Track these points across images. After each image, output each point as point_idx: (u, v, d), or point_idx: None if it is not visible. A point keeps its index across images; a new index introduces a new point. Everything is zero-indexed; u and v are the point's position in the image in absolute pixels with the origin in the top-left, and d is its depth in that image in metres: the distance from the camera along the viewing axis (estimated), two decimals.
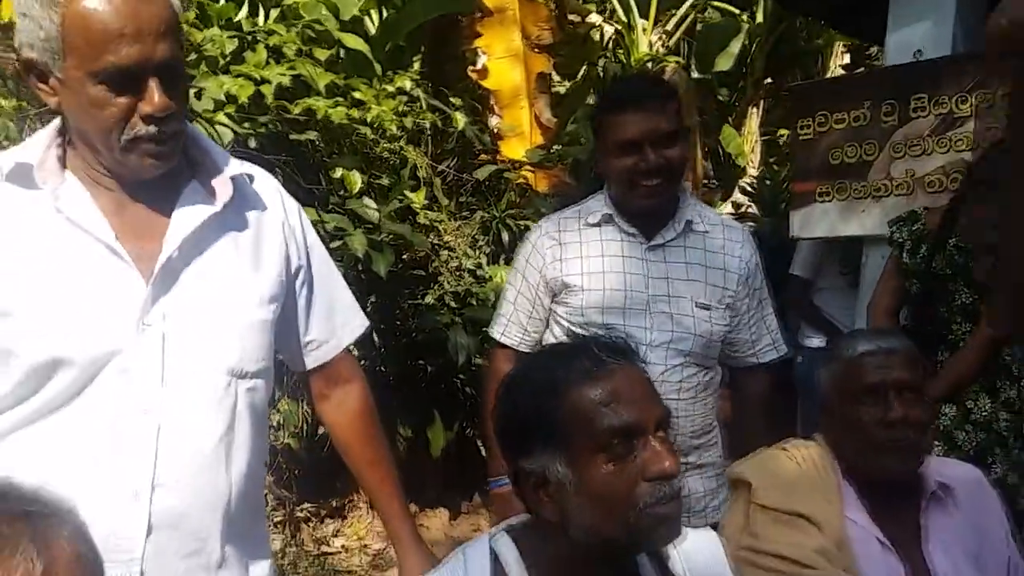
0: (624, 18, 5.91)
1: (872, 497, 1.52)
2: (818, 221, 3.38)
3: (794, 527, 1.45)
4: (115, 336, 1.13)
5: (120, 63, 1.07)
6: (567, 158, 4.07)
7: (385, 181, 3.34)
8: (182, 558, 1.16)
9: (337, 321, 1.40)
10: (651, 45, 5.65)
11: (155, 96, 1.09)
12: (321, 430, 3.36)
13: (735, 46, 6.64)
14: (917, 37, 3.12)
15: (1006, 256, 1.01)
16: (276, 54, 2.95)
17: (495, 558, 1.03)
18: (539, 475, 0.97)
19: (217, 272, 1.21)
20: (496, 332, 1.97)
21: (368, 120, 3.01)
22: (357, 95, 3.03)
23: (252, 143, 2.73)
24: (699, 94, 6.82)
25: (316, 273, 1.37)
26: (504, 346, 1.95)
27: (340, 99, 2.96)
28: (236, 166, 1.26)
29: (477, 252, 3.52)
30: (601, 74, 5.43)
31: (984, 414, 2.21)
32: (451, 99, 3.88)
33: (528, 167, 3.97)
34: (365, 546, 3.62)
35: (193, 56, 2.73)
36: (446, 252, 3.44)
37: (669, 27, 5.74)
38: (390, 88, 3.54)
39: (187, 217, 1.18)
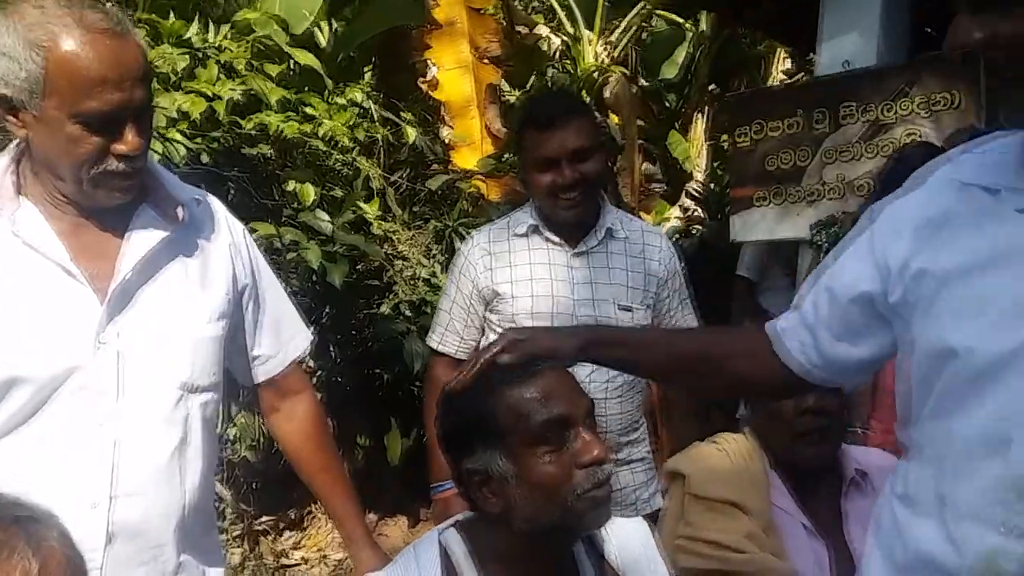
0: (571, 29, 6.04)
1: (797, 485, 1.64)
2: (756, 224, 3.54)
3: (725, 515, 1.56)
4: (72, 354, 1.19)
5: (103, 108, 1.13)
6: (517, 167, 4.16)
7: (338, 193, 3.39)
8: (140, 566, 1.22)
9: (284, 336, 1.48)
10: (597, 56, 5.79)
11: (130, 137, 1.16)
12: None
13: (680, 54, 6.84)
14: (845, 49, 3.29)
15: None
16: (228, 70, 2.99)
17: (445, 553, 1.11)
18: (482, 473, 1.05)
19: (169, 292, 1.28)
20: (434, 342, 2.06)
21: (320, 134, 3.06)
22: (309, 110, 3.08)
23: (205, 158, 2.77)
24: (646, 101, 7.00)
25: (262, 291, 1.45)
26: (442, 354, 2.03)
27: (292, 114, 3.01)
28: (186, 191, 1.34)
29: (431, 261, 3.58)
30: (550, 84, 5.56)
31: None
32: (402, 111, 3.95)
33: (480, 176, 4.06)
34: (325, 557, 3.64)
35: None
36: (400, 261, 3.50)
37: (614, 38, 5.89)
38: (341, 100, 3.60)
39: (140, 240, 1.25)
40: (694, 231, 6.13)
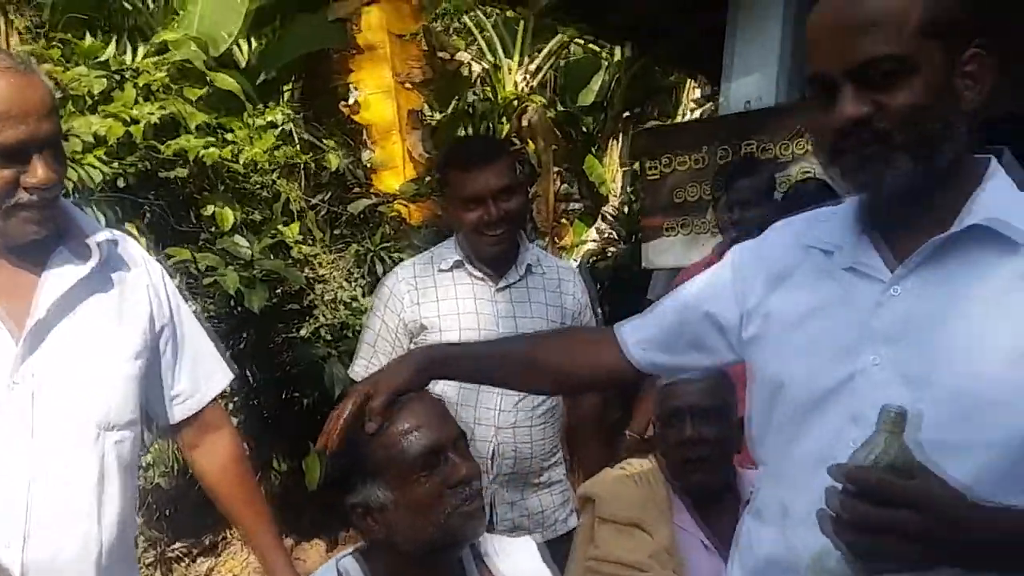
0: (491, 58, 6.18)
1: (699, 506, 1.77)
2: (666, 252, 3.71)
3: (631, 536, 1.67)
4: None
5: (7, 142, 1.15)
6: (438, 191, 4.24)
7: (258, 216, 3.39)
8: None
9: (202, 374, 1.50)
10: (516, 84, 5.95)
11: (39, 170, 1.18)
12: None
13: (596, 81, 7.07)
14: (748, 89, 3.50)
15: None
16: (146, 92, 2.96)
17: None
18: (364, 505, 1.14)
19: (84, 331, 1.29)
20: (357, 374, 2.07)
21: (241, 161, 3.06)
22: (230, 137, 3.08)
23: (122, 183, 2.74)
24: (564, 126, 7.20)
25: (181, 330, 1.47)
26: None
27: (212, 139, 3.00)
28: (102, 232, 1.36)
29: (353, 284, 3.61)
30: (470, 110, 5.66)
31: None
32: (324, 135, 3.98)
33: (402, 200, 4.11)
34: None
35: (59, 95, 2.71)
36: (321, 285, 3.51)
37: (533, 67, 6.06)
38: (261, 121, 3.59)
39: (56, 280, 1.27)
40: (610, 253, 6.34)
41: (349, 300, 3.58)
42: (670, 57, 5.36)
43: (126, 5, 3.73)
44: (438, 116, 5.50)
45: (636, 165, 6.18)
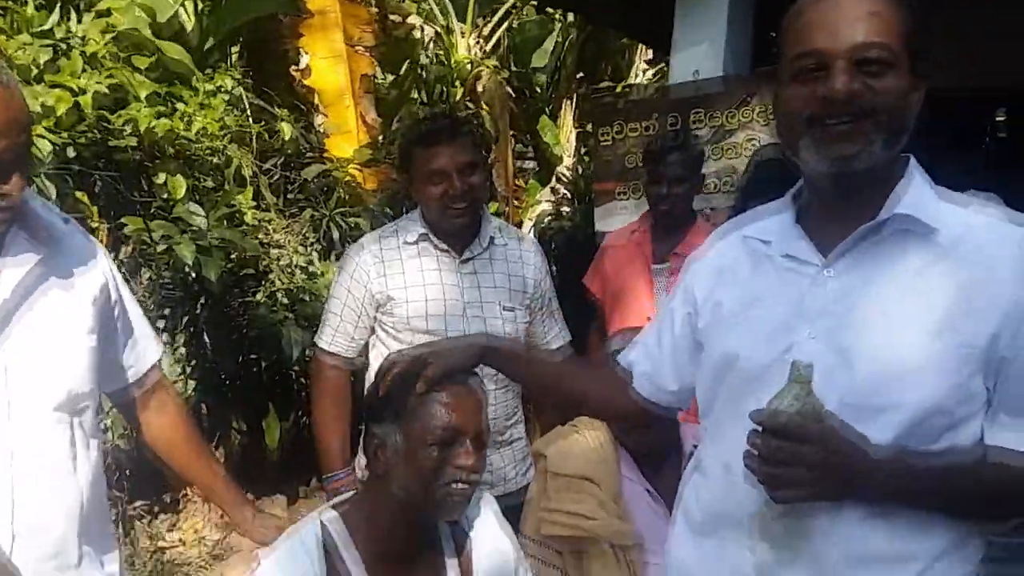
0: (443, 21, 6.13)
1: (643, 459, 1.91)
2: (618, 216, 3.81)
3: (580, 488, 1.79)
4: None
5: None
6: (392, 156, 4.26)
7: (209, 183, 3.38)
8: (48, 560, 1.32)
9: (141, 345, 1.59)
10: (469, 48, 5.92)
11: (14, 182, 1.23)
12: None
13: (549, 43, 7.07)
14: (695, 59, 3.59)
15: None
16: (92, 61, 2.92)
17: (325, 530, 1.28)
18: (380, 439, 1.27)
19: (46, 311, 1.36)
20: (324, 342, 2.14)
21: (193, 132, 3.05)
22: (180, 106, 3.05)
23: (71, 153, 2.72)
24: (518, 88, 7.21)
25: (123, 305, 1.55)
26: (332, 354, 2.14)
27: (162, 108, 2.98)
28: (52, 214, 1.43)
29: (308, 249, 3.64)
30: (423, 74, 5.63)
31: None
32: (276, 100, 3.95)
33: (355, 166, 4.13)
34: (202, 538, 3.67)
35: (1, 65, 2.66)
36: (276, 251, 3.54)
37: (486, 32, 6.03)
38: (210, 87, 3.56)
39: (16, 263, 1.32)
40: (564, 214, 6.44)
41: (305, 265, 3.62)
42: (619, 26, 5.41)
43: None
44: (390, 79, 5.47)
45: (589, 127, 6.26)
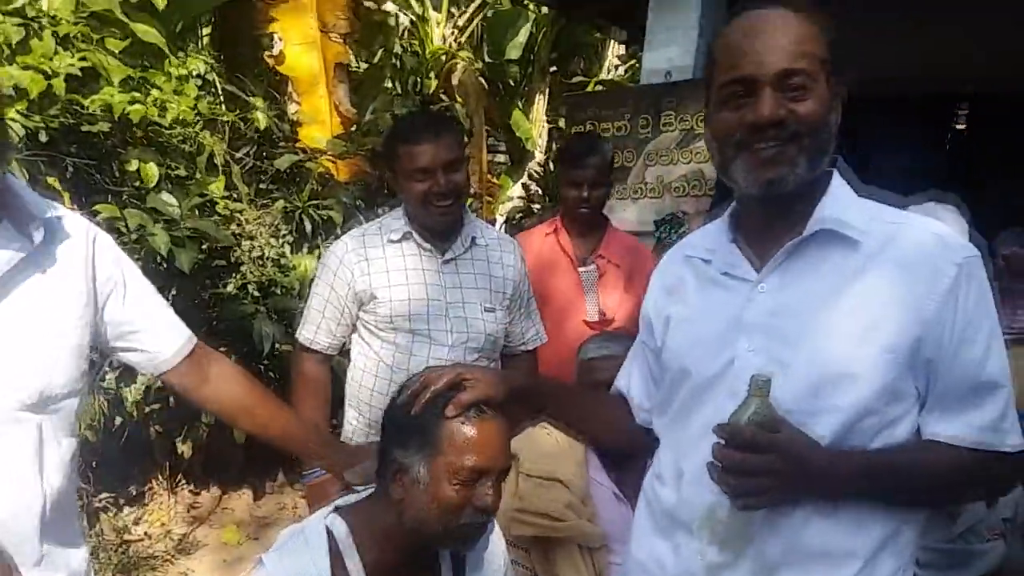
0: (418, 9, 6.09)
1: (612, 462, 1.96)
2: None
3: (549, 489, 1.84)
4: None
5: None
6: (366, 147, 4.25)
7: (182, 171, 3.35)
8: None
9: (172, 321, 1.58)
10: (444, 38, 5.89)
11: None
12: (118, 420, 3.35)
13: (523, 35, 7.07)
14: (666, 62, 3.65)
15: None
16: (64, 41, 2.86)
17: (330, 534, 1.29)
18: (404, 466, 1.25)
19: (27, 305, 1.34)
20: (305, 338, 2.16)
21: (168, 120, 3.01)
22: (157, 93, 3.01)
23: (43, 137, 2.67)
24: (491, 78, 7.20)
25: (139, 290, 1.52)
26: (312, 350, 2.16)
27: (137, 94, 2.94)
28: (46, 208, 1.39)
29: (280, 241, 3.61)
30: (397, 64, 5.59)
31: None
32: (248, 86, 3.91)
33: (328, 156, 4.11)
34: (169, 532, 3.66)
35: None
36: (248, 242, 3.51)
37: (461, 22, 6.01)
38: (182, 71, 3.51)
39: (0, 257, 1.30)
40: (535, 209, 6.48)
41: (276, 257, 3.60)
42: (593, 20, 5.44)
43: None
44: (364, 67, 5.43)
45: (562, 122, 6.30)
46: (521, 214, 6.13)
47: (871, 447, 1.11)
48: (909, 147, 5.39)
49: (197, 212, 3.19)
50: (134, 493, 3.75)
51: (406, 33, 6.16)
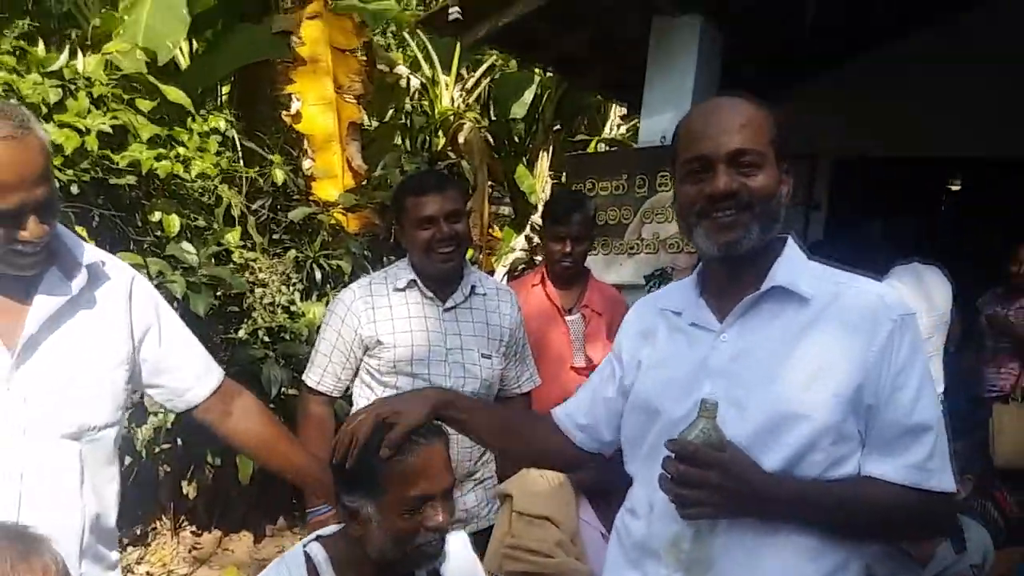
0: (429, 72, 6.37)
1: (599, 502, 2.08)
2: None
3: (541, 527, 1.96)
4: None
5: (5, 207, 1.30)
6: (375, 200, 4.44)
7: (201, 222, 3.53)
8: None
9: (205, 357, 1.72)
10: (453, 100, 6.16)
11: (33, 228, 1.34)
12: (127, 460, 3.46)
13: (528, 96, 7.36)
14: (662, 125, 3.84)
15: None
16: (97, 101, 3.07)
17: (309, 559, 1.40)
18: (354, 510, 1.35)
19: (71, 344, 1.48)
20: (312, 381, 2.26)
21: (192, 175, 3.21)
22: (182, 151, 3.21)
23: (74, 189, 2.86)
24: (497, 136, 7.46)
25: (172, 333, 1.67)
26: (319, 393, 2.27)
27: (163, 150, 3.14)
28: (92, 254, 1.54)
29: (291, 289, 3.77)
30: (407, 123, 5.84)
31: None
32: (266, 142, 4.13)
33: (339, 209, 4.30)
34: (170, 572, 3.73)
35: (15, 101, 2.82)
36: (260, 289, 3.67)
37: (469, 85, 6.28)
38: (204, 128, 3.72)
39: (46, 300, 1.44)
40: (537, 261, 6.66)
41: (287, 304, 3.75)
42: (593, 85, 5.70)
43: (72, 11, 3.81)
44: (375, 125, 5.68)
45: (564, 177, 6.51)
46: (524, 265, 6.30)
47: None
48: (909, 207, 5.58)
49: (213, 260, 3.36)
50: (138, 533, 3.83)
51: (417, 95, 6.44)
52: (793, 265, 1.32)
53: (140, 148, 3.04)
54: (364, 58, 4.81)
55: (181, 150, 3.22)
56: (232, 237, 3.58)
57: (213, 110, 4.09)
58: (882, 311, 1.25)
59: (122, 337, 1.57)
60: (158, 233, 3.27)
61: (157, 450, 3.47)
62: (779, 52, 4.79)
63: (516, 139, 7.85)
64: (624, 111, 8.29)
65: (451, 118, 6.07)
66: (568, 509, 2.02)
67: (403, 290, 2.24)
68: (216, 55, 4.40)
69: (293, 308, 3.74)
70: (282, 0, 4.66)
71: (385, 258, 4.23)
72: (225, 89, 5.19)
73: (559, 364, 2.77)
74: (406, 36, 6.71)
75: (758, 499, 1.21)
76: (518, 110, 7.37)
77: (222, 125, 3.83)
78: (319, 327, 2.35)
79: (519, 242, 6.96)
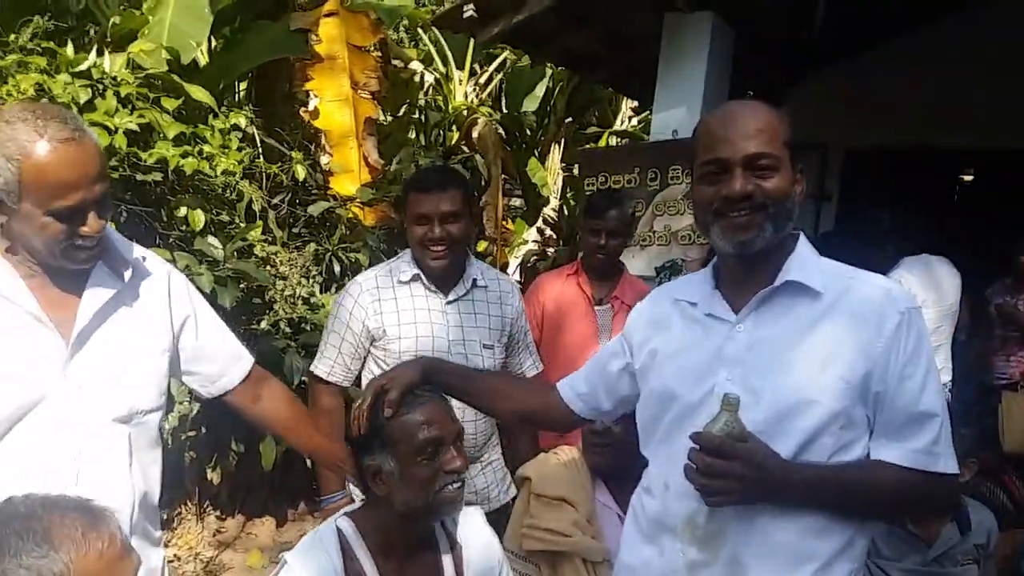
0: (443, 68, 6.44)
1: (614, 485, 2.15)
2: None
3: (558, 508, 2.04)
4: (43, 385, 1.50)
5: (69, 204, 1.40)
6: (391, 194, 4.52)
7: (225, 217, 3.63)
8: None
9: (236, 346, 1.84)
10: (467, 95, 6.22)
11: (93, 223, 1.45)
12: None
13: (540, 89, 7.42)
14: (674, 119, 3.92)
15: None
16: (124, 100, 3.17)
17: (339, 532, 1.51)
18: (376, 468, 1.47)
19: (119, 334, 1.59)
20: (322, 372, 2.34)
21: (218, 172, 3.30)
22: (207, 148, 3.30)
23: None
24: (509, 130, 7.53)
25: (206, 322, 1.78)
26: (329, 383, 2.35)
27: (188, 147, 3.23)
28: (133, 251, 1.65)
29: (311, 281, 3.87)
30: (422, 119, 5.91)
31: None
32: (285, 138, 4.22)
33: (357, 203, 4.38)
34: (197, 555, 3.85)
35: (45, 102, 2.91)
36: (281, 282, 3.76)
37: (483, 80, 6.34)
38: (225, 125, 3.81)
39: (96, 294, 1.55)
40: (549, 253, 6.73)
41: (307, 296, 3.84)
42: (605, 80, 5.75)
43: (95, 11, 3.90)
44: (391, 120, 5.75)
45: (576, 170, 6.58)
46: (536, 256, 6.37)
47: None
48: (922, 197, 5.60)
49: (236, 255, 3.45)
50: (164, 518, 3.95)
51: (431, 90, 6.50)
52: (805, 261, 1.39)
53: (166, 146, 3.13)
54: (379, 55, 4.88)
55: (205, 147, 3.31)
56: (254, 232, 3.67)
57: (232, 107, 4.18)
58: (889, 305, 1.32)
59: (163, 327, 1.68)
60: (183, 228, 3.37)
61: (183, 437, 3.57)
62: (790, 44, 4.83)
63: (527, 132, 7.91)
64: (635, 104, 8.32)
65: (465, 113, 6.13)
66: (584, 491, 2.09)
67: (407, 283, 2.30)
68: (235, 53, 4.48)
69: (313, 300, 3.83)
70: None
71: (400, 251, 4.31)
72: (242, 86, 5.28)
73: (582, 349, 2.85)
74: (419, 32, 6.78)
75: (777, 485, 1.29)
76: (530, 104, 7.43)
77: (242, 122, 3.92)
78: None
79: (531, 234, 7.03)
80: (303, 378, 3.63)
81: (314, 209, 4.06)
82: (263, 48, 4.39)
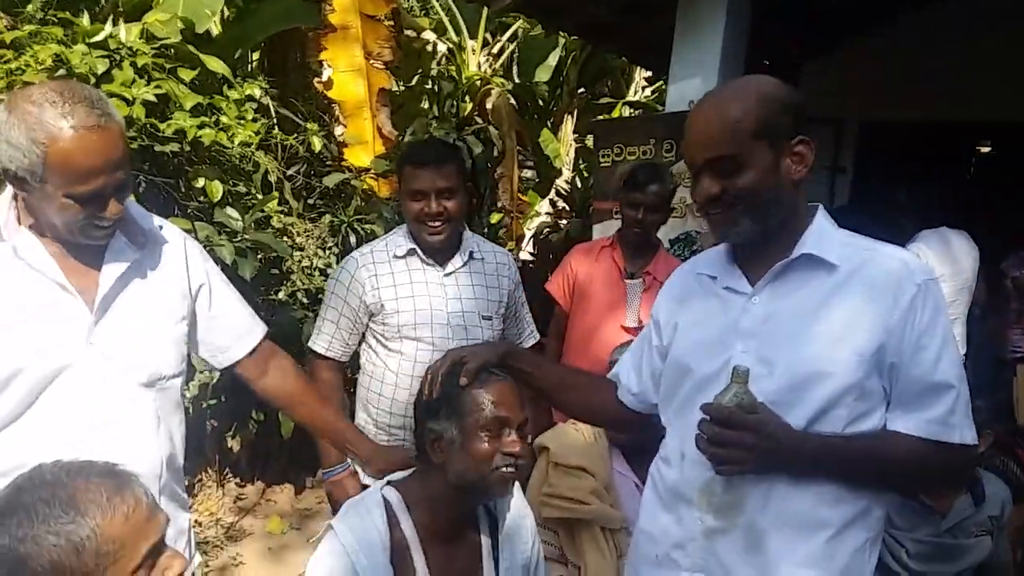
0: (456, 38, 6.38)
1: (632, 455, 2.19)
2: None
3: (576, 476, 2.08)
4: (67, 352, 1.54)
5: (90, 189, 1.42)
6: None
7: (242, 188, 3.64)
8: None
9: (248, 319, 1.86)
10: (480, 65, 6.17)
11: (113, 207, 1.48)
12: None
13: (553, 59, 7.34)
14: (690, 90, 3.88)
15: None
16: (141, 71, 3.17)
17: (385, 501, 1.53)
18: (438, 434, 1.50)
19: (139, 301, 1.62)
20: (320, 347, 2.35)
21: (235, 144, 3.31)
22: (224, 119, 3.31)
23: None
24: (521, 98, 7.48)
25: (221, 292, 1.81)
26: (327, 358, 2.36)
27: (206, 118, 3.24)
28: (151, 220, 1.68)
29: (327, 252, 3.89)
30: (435, 89, 5.87)
31: None
32: (300, 110, 4.21)
33: (371, 174, 4.39)
34: (218, 520, 3.92)
35: (63, 73, 2.92)
36: (298, 253, 3.79)
37: (496, 50, 6.28)
38: (240, 95, 3.81)
39: (115, 262, 1.59)
40: (561, 225, 6.73)
41: (324, 267, 3.87)
42: (618, 49, 5.70)
43: None
44: (402, 88, 5.72)
45: (589, 141, 6.54)
46: (548, 228, 6.37)
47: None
48: (938, 170, 5.57)
49: (254, 226, 3.47)
50: (186, 483, 4.02)
51: (444, 60, 6.46)
52: (822, 234, 1.40)
53: (184, 116, 3.14)
54: (392, 24, 4.84)
55: (222, 118, 3.31)
56: (271, 204, 3.69)
57: (246, 77, 4.17)
58: (906, 276, 1.34)
59: (181, 293, 1.71)
60: (201, 199, 3.38)
61: (204, 406, 3.63)
62: (807, 16, 4.77)
63: (540, 103, 7.85)
64: (649, 74, 8.25)
65: (478, 83, 6.09)
66: (602, 460, 2.13)
67: (403, 257, 2.31)
68: (248, 23, 4.45)
69: (329, 271, 3.85)
70: None
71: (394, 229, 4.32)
72: (255, 56, 5.26)
73: (610, 319, 2.89)
74: (432, 0, 6.71)
75: (787, 455, 1.32)
76: (542, 74, 7.37)
77: (257, 93, 3.91)
78: None
79: (543, 206, 7.02)
80: None
81: (329, 180, 4.07)
82: (277, 18, 4.36)
